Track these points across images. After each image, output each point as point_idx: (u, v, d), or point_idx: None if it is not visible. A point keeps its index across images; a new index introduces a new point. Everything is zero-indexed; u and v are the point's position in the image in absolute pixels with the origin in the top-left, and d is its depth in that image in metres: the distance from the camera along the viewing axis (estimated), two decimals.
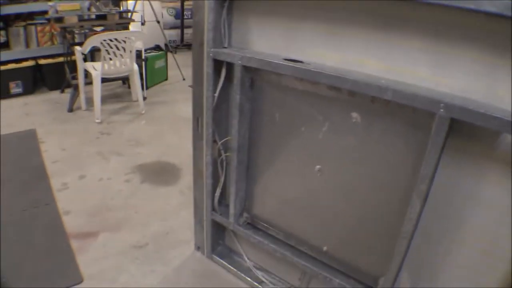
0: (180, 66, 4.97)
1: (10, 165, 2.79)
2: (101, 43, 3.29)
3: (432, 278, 1.38)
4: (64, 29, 3.82)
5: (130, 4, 4.92)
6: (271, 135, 1.63)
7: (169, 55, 4.96)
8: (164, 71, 4.88)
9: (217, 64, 1.59)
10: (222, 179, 1.84)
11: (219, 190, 1.86)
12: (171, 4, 6.17)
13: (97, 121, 3.58)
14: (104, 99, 3.98)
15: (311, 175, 1.54)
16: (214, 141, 1.75)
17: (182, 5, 5.84)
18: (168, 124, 3.68)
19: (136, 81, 3.76)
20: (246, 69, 1.52)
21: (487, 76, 1.08)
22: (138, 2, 4.94)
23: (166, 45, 5.06)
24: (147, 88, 4.39)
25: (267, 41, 1.53)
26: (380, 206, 1.40)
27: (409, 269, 1.40)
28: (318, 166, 1.53)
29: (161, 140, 3.34)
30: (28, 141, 3.24)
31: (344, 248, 1.58)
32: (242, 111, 1.60)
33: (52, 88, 4.37)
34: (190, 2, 5.68)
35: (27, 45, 4.13)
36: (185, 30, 6.38)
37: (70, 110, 3.82)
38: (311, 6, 1.36)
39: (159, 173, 2.82)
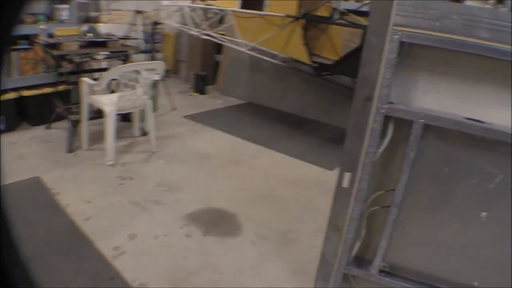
0: (165, 95, 4.69)
1: (31, 229, 2.32)
2: (121, 75, 2.95)
3: None
4: (61, 56, 3.34)
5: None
6: (435, 188, 1.64)
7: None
8: (154, 101, 4.54)
9: (385, 120, 1.56)
10: (363, 233, 1.79)
11: (358, 244, 1.80)
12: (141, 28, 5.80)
13: (109, 163, 3.20)
14: (99, 136, 3.55)
15: (475, 221, 1.61)
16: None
17: (153, 29, 5.51)
18: (191, 163, 3.45)
19: (150, 116, 3.44)
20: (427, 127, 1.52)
21: None
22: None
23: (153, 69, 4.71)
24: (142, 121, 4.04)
25: (434, 99, 1.55)
26: None
27: None
28: (484, 213, 1.59)
29: (195, 182, 3.11)
30: (36, 192, 2.76)
31: (493, 280, 1.67)
32: (412, 167, 1.58)
33: (35, 123, 3.80)
34: (161, 26, 5.40)
35: (9, 74, 3.51)
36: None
37: (70, 150, 3.34)
38: (487, 70, 1.44)
39: (216, 223, 2.62)
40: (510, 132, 1.42)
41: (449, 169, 1.60)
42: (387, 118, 1.56)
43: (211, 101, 5.60)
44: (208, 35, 4.78)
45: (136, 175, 3.11)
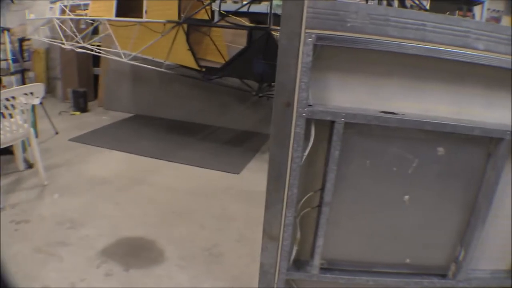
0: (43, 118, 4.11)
1: None
2: None
3: None
4: None
5: None
6: (360, 181, 1.71)
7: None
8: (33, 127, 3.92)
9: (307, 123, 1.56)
10: (298, 237, 1.78)
11: (295, 248, 1.79)
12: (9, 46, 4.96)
13: None
14: None
15: (399, 205, 1.75)
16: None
17: (21, 47, 4.76)
18: (89, 191, 3.06)
19: (34, 146, 2.95)
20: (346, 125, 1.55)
21: None
22: None
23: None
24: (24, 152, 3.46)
25: (350, 96, 1.61)
26: (450, 212, 1.78)
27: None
28: (406, 197, 1.73)
29: (99, 212, 2.77)
30: None
31: (421, 254, 1.86)
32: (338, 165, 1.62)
33: None
34: (28, 42, 4.72)
35: None
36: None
37: None
38: (395, 64, 1.55)
39: (135, 254, 2.37)
40: (420, 120, 1.54)
41: (371, 161, 1.68)
42: (308, 121, 1.56)
43: (96, 119, 5.12)
44: (83, 47, 4.33)
45: (31, 216, 2.65)
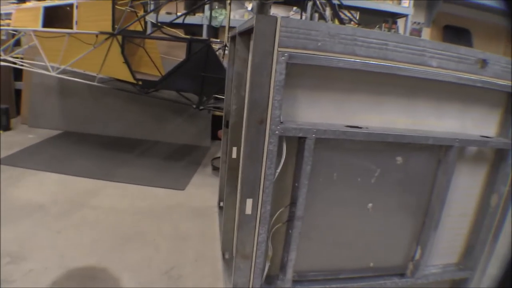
0: None
1: None
2: None
3: None
4: None
5: None
6: (327, 193, 1.76)
7: None
8: None
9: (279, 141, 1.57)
10: (270, 253, 1.77)
11: (268, 264, 1.78)
12: None
13: None
14: None
15: (364, 212, 1.85)
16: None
17: None
18: (24, 220, 2.75)
19: None
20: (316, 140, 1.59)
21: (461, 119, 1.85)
22: None
23: None
24: None
25: (317, 112, 1.66)
26: (408, 215, 1.94)
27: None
28: (370, 204, 1.84)
29: (40, 243, 2.50)
30: None
31: (383, 256, 1.99)
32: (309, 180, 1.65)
33: None
34: None
35: None
36: None
37: None
38: (359, 81, 1.64)
39: (89, 285, 2.18)
40: (383, 132, 1.65)
41: (337, 174, 1.74)
42: (280, 138, 1.57)
43: (21, 137, 4.66)
44: (5, 60, 3.92)
45: None
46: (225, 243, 2.52)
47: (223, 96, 4.66)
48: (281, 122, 1.57)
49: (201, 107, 4.38)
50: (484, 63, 1.72)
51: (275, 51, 1.42)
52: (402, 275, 2.05)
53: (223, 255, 2.53)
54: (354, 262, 1.96)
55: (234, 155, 2.40)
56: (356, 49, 1.50)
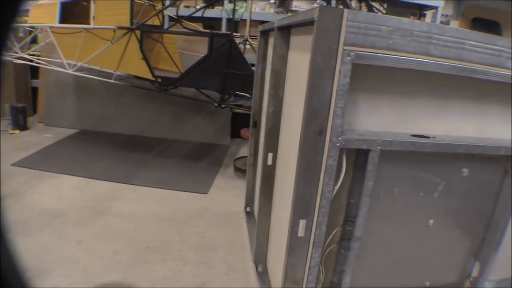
0: None
1: None
2: None
3: None
4: None
5: None
6: (386, 209, 1.57)
7: None
8: None
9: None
10: (322, 278, 1.58)
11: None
12: None
13: None
14: None
15: (424, 229, 1.66)
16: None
17: None
18: (43, 229, 2.59)
19: None
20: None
21: None
22: None
23: None
24: None
25: (377, 119, 1.46)
26: (468, 230, 1.77)
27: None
28: (431, 221, 1.66)
29: (61, 255, 2.32)
30: None
31: (440, 275, 1.82)
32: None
33: None
34: None
35: None
36: None
37: None
38: (423, 83, 1.43)
39: None
40: (453, 143, 1.45)
41: (399, 188, 1.54)
42: (340, 151, 1.37)
43: (38, 137, 4.51)
44: (22, 58, 3.76)
45: None
46: (258, 255, 2.34)
47: (244, 93, 4.51)
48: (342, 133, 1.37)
49: (223, 105, 4.19)
50: None
51: (340, 50, 1.21)
52: None
53: (256, 267, 2.35)
54: (409, 281, 1.78)
55: (269, 162, 2.21)
56: (431, 48, 1.28)
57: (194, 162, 4.34)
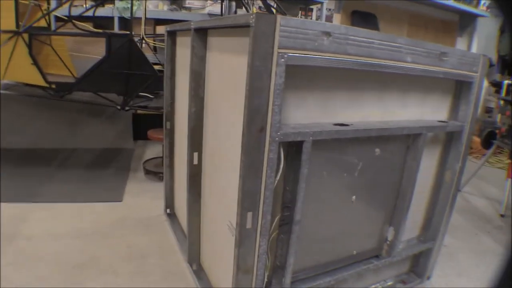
0: None
1: None
2: None
3: None
4: None
5: None
6: (317, 192, 1.75)
7: None
8: None
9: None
10: (269, 264, 1.71)
11: (266, 274, 1.72)
12: None
13: None
14: None
15: (348, 205, 1.92)
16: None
17: None
18: None
19: None
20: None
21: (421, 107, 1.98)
22: None
23: None
24: None
25: (304, 112, 1.62)
26: (383, 201, 2.07)
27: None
28: (354, 197, 1.90)
29: None
30: None
31: (363, 243, 2.09)
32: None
33: None
34: None
35: None
36: None
37: None
38: (341, 78, 1.65)
39: None
40: (367, 128, 1.70)
41: (327, 172, 1.73)
42: (279, 144, 1.50)
43: None
44: None
45: None
46: (191, 254, 2.38)
47: (146, 94, 4.41)
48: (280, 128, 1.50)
49: (127, 108, 4.05)
50: (445, 55, 1.83)
51: (275, 53, 1.33)
52: (377, 256, 2.16)
53: (191, 266, 2.39)
54: (340, 253, 2.01)
55: (195, 162, 2.26)
56: (348, 48, 1.48)
57: (100, 170, 4.12)
